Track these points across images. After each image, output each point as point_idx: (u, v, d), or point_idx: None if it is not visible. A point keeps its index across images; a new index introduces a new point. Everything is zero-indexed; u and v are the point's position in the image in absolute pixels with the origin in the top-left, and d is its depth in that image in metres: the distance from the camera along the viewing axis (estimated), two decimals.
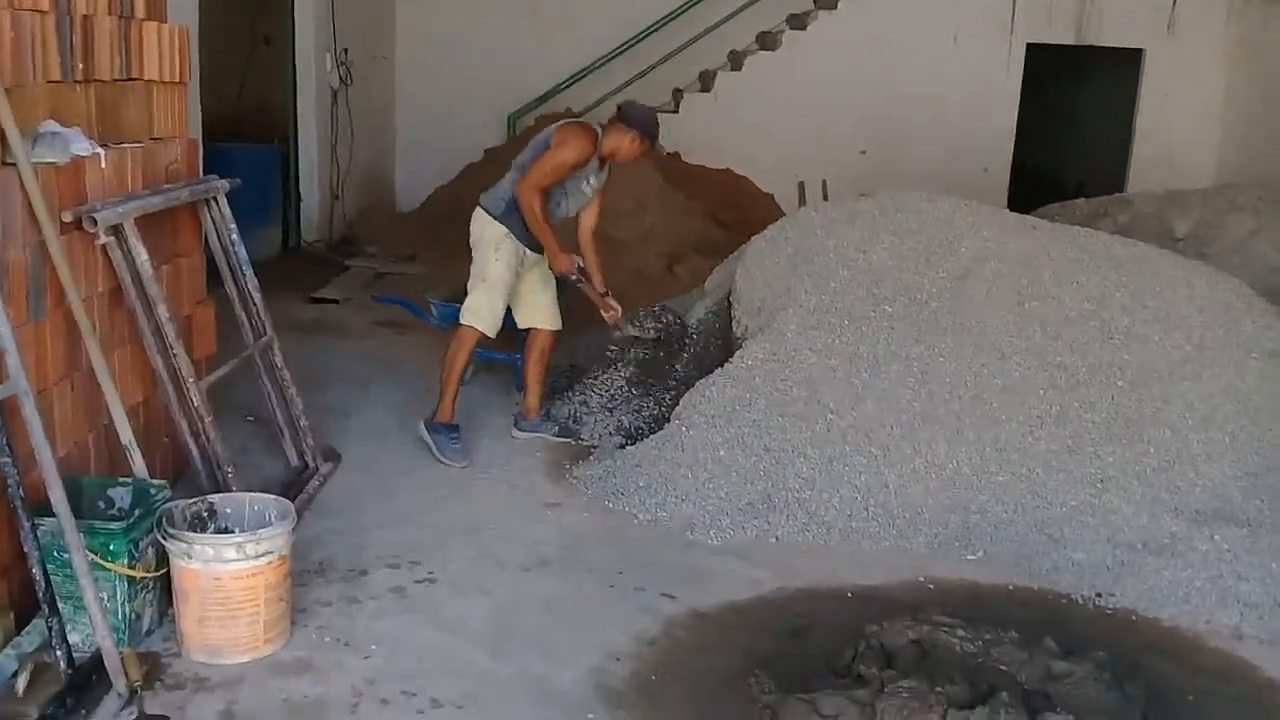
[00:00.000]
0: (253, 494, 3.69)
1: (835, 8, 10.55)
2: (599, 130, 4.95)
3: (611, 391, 5.59)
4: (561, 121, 5.04)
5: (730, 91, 10.68)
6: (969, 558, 4.22)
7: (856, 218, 5.26)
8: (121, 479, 3.61)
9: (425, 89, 10.90)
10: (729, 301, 5.49)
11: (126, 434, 3.63)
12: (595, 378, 5.67)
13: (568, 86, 10.53)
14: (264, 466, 4.72)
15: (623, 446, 5.06)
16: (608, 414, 5.45)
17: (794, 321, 4.90)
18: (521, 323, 5.26)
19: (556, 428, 5.37)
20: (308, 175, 9.23)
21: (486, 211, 4.96)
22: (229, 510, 3.57)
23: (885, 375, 4.69)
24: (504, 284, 4.97)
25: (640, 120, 5.00)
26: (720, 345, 5.39)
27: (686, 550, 4.20)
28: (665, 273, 7.30)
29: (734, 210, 10.19)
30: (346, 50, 9.61)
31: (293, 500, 4.38)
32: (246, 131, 9.80)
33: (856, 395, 4.64)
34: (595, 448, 5.18)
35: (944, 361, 4.71)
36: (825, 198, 10.83)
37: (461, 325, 5.01)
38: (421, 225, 9.90)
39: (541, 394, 5.38)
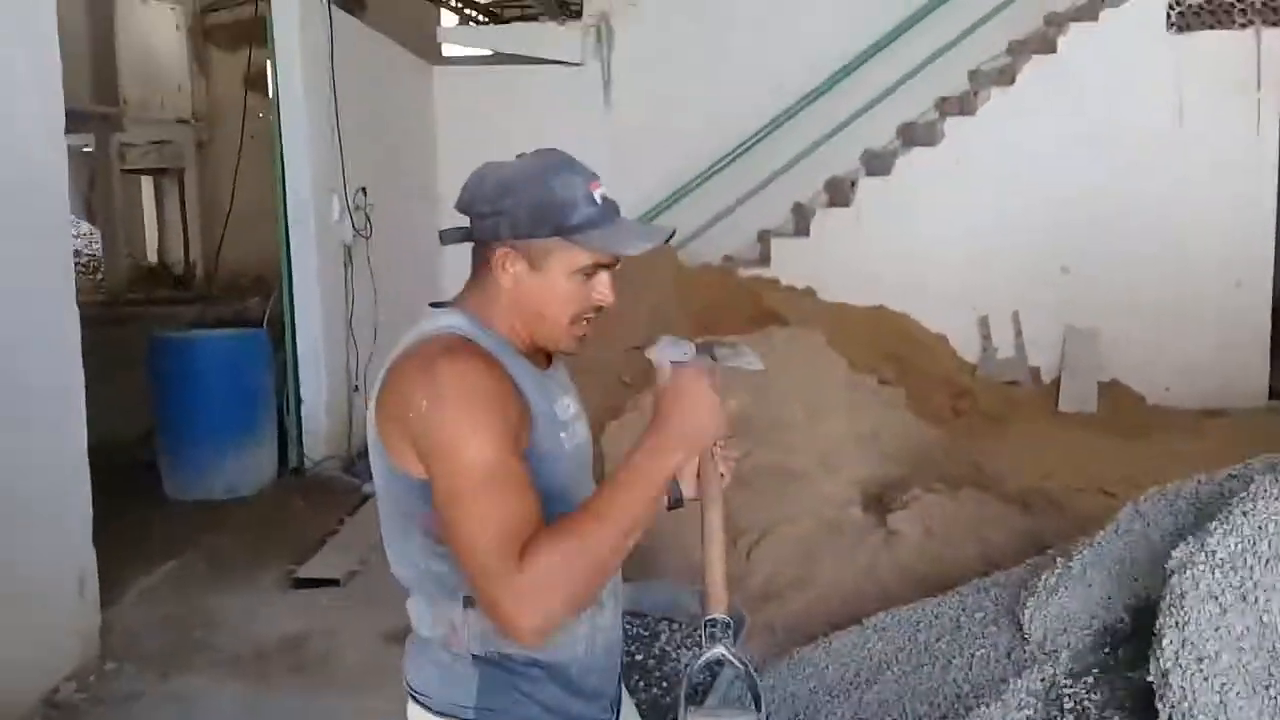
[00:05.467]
0: None
1: (1013, 83, 7.39)
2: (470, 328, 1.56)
3: None
4: (396, 359, 1.55)
5: (876, 202, 7.51)
6: None
7: None
8: None
9: None
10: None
11: None
12: None
13: (656, 215, 7.50)
14: None
15: None
16: None
17: None
18: None
19: None
20: (311, 367, 6.19)
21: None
22: None
23: None
24: None
25: (539, 208, 1.56)
26: None
27: None
28: (876, 526, 4.05)
29: (894, 362, 6.98)
30: (364, 190, 6.67)
31: None
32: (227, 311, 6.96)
33: None
34: None
35: None
36: (1019, 335, 7.65)
37: None
38: None
39: None
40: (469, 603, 1.52)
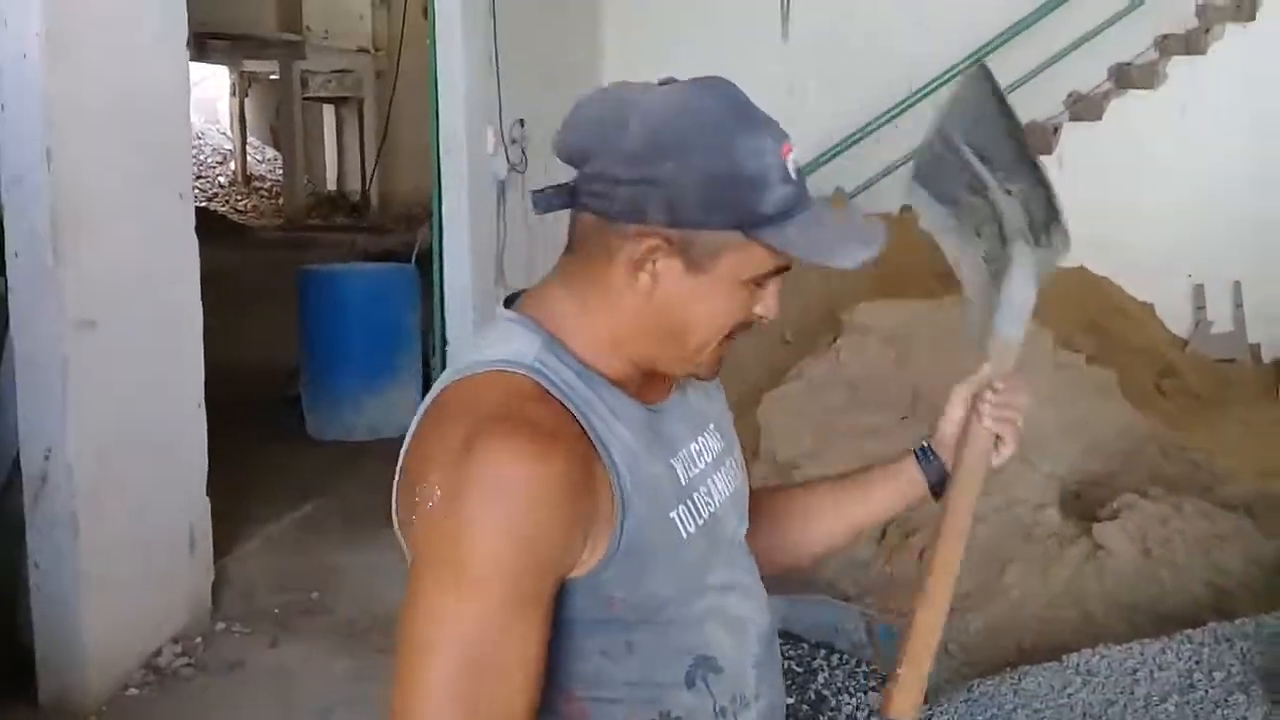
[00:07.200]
0: None
1: (1253, 18, 6.36)
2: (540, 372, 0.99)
3: None
4: (436, 397, 1.01)
5: (1082, 151, 6.63)
6: None
7: None
8: None
9: None
10: None
11: None
12: None
13: (831, 158, 6.81)
14: None
15: None
16: None
17: None
18: None
19: None
20: (458, 306, 5.80)
21: None
22: None
23: None
24: None
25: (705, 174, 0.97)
26: None
27: None
28: (1078, 535, 3.38)
29: (1094, 332, 6.17)
30: (522, 122, 6.22)
31: None
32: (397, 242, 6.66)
33: None
34: None
35: None
36: (1239, 306, 6.70)
37: None
38: None
39: None
40: None
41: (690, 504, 1.04)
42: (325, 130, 19.59)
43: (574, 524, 0.93)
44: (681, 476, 1.05)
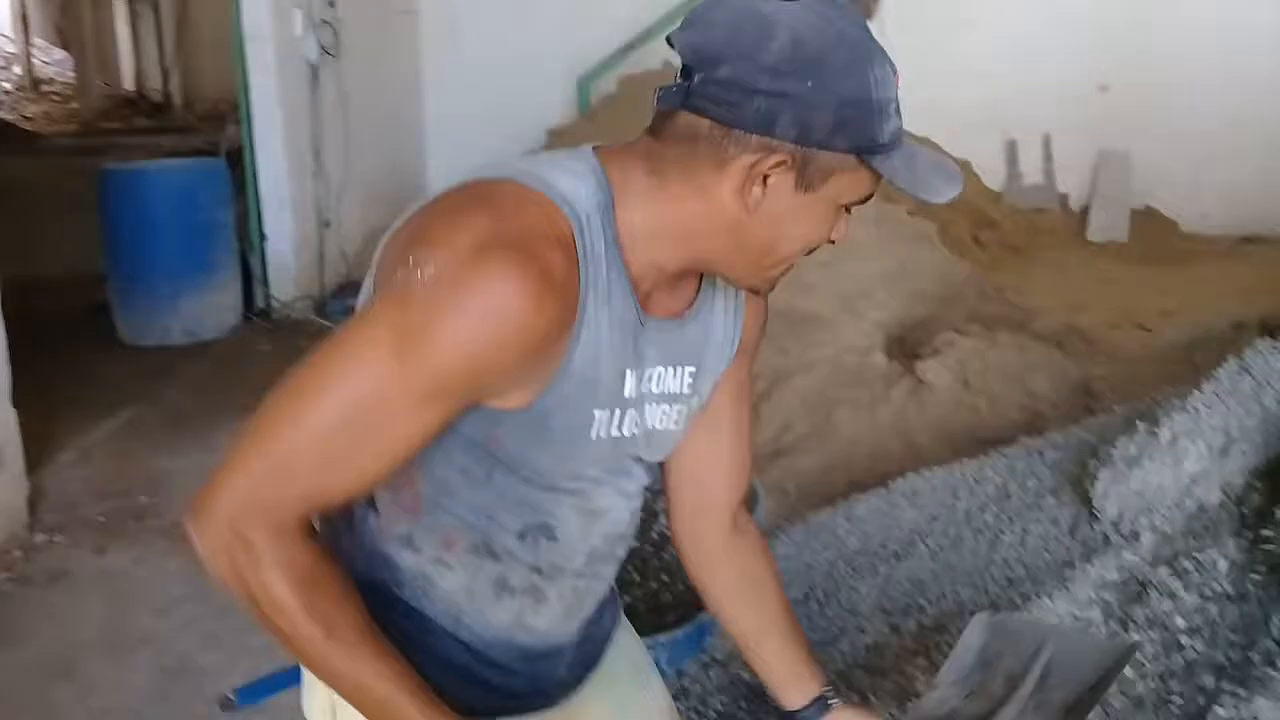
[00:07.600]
0: None
1: None
2: (572, 215, 0.99)
3: None
4: (421, 208, 1.00)
5: (904, 14, 6.75)
6: None
7: None
8: None
9: (465, 51, 7.21)
10: None
11: None
12: None
13: (662, 32, 6.76)
14: None
15: None
16: None
17: None
18: None
19: None
20: (275, 201, 5.60)
21: None
22: None
23: None
24: None
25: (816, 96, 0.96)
26: None
27: None
28: (902, 375, 3.54)
29: None
30: (332, 2, 5.93)
31: None
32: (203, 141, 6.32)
33: None
34: None
35: None
36: (1048, 160, 7.02)
37: None
38: None
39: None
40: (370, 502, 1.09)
41: (618, 414, 1.06)
42: (118, 25, 18.24)
43: (524, 370, 0.95)
44: (628, 389, 1.06)
